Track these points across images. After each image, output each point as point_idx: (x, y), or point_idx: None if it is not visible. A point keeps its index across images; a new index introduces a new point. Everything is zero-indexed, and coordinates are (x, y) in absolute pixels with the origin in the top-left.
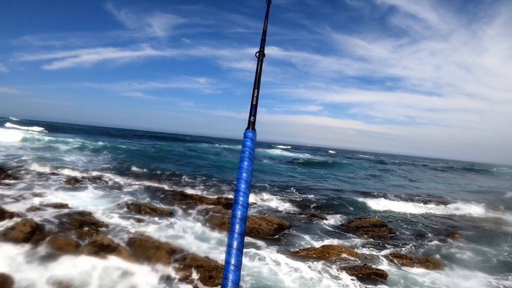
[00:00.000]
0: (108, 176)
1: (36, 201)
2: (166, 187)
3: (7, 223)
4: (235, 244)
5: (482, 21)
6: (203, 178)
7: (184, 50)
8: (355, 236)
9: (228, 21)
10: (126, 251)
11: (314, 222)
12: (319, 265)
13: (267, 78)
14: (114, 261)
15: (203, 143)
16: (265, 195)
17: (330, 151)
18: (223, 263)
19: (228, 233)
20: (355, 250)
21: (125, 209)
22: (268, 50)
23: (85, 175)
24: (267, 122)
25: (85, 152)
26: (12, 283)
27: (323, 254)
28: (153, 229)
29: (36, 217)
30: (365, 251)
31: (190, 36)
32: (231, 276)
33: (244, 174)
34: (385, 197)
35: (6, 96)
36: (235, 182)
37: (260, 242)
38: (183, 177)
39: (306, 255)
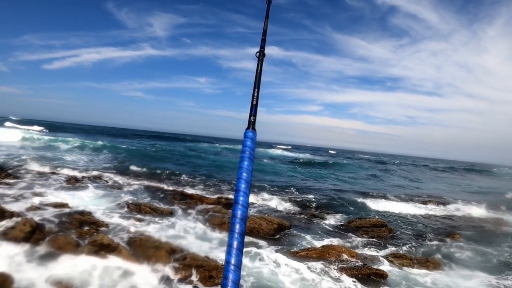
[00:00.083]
0: (108, 175)
1: (36, 200)
2: (166, 186)
3: (7, 223)
4: (235, 244)
5: (483, 21)
6: (203, 177)
7: (184, 49)
8: (355, 236)
9: (228, 20)
10: (126, 250)
11: (314, 222)
12: (319, 265)
13: (267, 78)
14: (114, 261)
15: (203, 142)
16: (265, 195)
17: (330, 151)
18: (223, 263)
19: (228, 233)
20: (355, 250)
21: (125, 209)
22: (268, 50)
23: (85, 174)
24: (267, 122)
25: (85, 152)
26: (12, 283)
27: (323, 254)
28: (153, 228)
29: (36, 217)
30: (365, 251)
31: (191, 36)
32: (231, 276)
33: (244, 174)
34: (385, 197)
35: (7, 96)
36: (235, 182)
37: (260, 242)
38: (183, 177)
39: (306, 255)
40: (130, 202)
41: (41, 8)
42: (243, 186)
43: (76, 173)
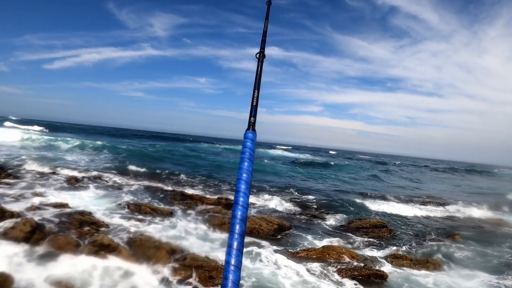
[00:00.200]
0: (108, 175)
1: (36, 200)
2: (166, 187)
3: (7, 223)
4: (235, 244)
5: (483, 22)
6: (203, 178)
7: (185, 50)
8: (355, 237)
9: (228, 21)
10: (126, 251)
11: (314, 222)
12: (319, 265)
13: (267, 78)
14: (114, 261)
15: (204, 143)
16: (266, 196)
17: (330, 152)
18: (223, 264)
19: (228, 233)
20: (355, 251)
21: (126, 209)
22: (268, 50)
23: (85, 174)
24: (267, 123)
25: (85, 152)
26: (12, 283)
27: (323, 255)
28: (153, 229)
29: (36, 217)
30: (366, 252)
31: (191, 36)
32: (231, 277)
33: (244, 175)
34: (385, 198)
35: (7, 95)
36: (235, 183)
37: (260, 243)
38: (183, 177)
39: (306, 255)
40: (130, 202)
41: (41, 8)
42: (243, 186)
43: (76, 173)
